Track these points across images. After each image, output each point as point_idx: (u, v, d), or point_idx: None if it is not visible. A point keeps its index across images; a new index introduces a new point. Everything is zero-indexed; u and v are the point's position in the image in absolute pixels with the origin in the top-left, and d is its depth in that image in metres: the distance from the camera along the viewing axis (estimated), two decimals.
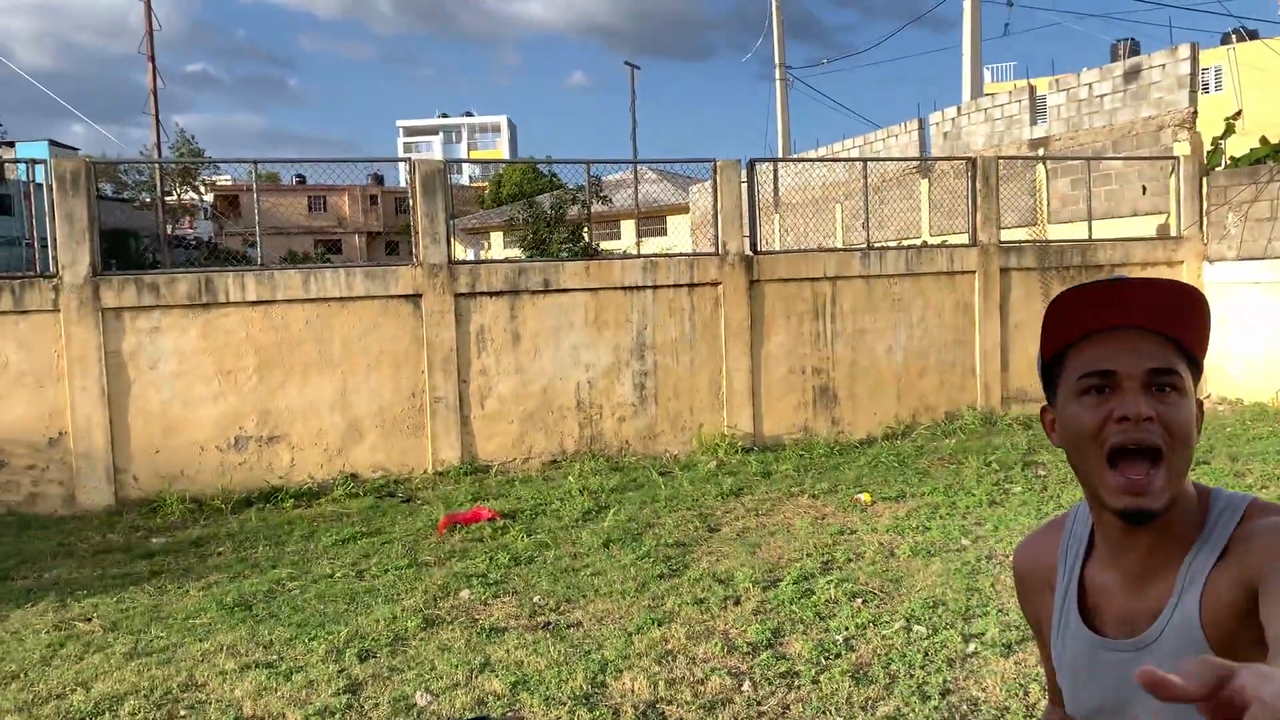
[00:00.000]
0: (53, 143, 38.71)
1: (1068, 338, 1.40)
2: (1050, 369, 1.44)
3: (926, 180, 18.36)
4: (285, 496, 9.94)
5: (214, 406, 10.20)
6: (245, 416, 10.28)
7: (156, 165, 15.17)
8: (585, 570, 7.17)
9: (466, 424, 10.89)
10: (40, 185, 10.46)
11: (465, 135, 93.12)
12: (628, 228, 32.66)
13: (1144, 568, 1.39)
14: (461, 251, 34.57)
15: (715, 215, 11.84)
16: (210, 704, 5.07)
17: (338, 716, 4.85)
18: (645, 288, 11.44)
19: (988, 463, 10.01)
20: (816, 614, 5.94)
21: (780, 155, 28.38)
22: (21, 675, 5.57)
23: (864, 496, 8.93)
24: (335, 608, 6.58)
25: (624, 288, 11.37)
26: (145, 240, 31.93)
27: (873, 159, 15.60)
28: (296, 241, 45.42)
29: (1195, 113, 14.05)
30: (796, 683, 5.01)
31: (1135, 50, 36.47)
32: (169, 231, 31.54)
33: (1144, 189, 14.32)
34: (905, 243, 16.07)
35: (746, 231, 11.93)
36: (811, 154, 25.15)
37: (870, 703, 4.73)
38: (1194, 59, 14.17)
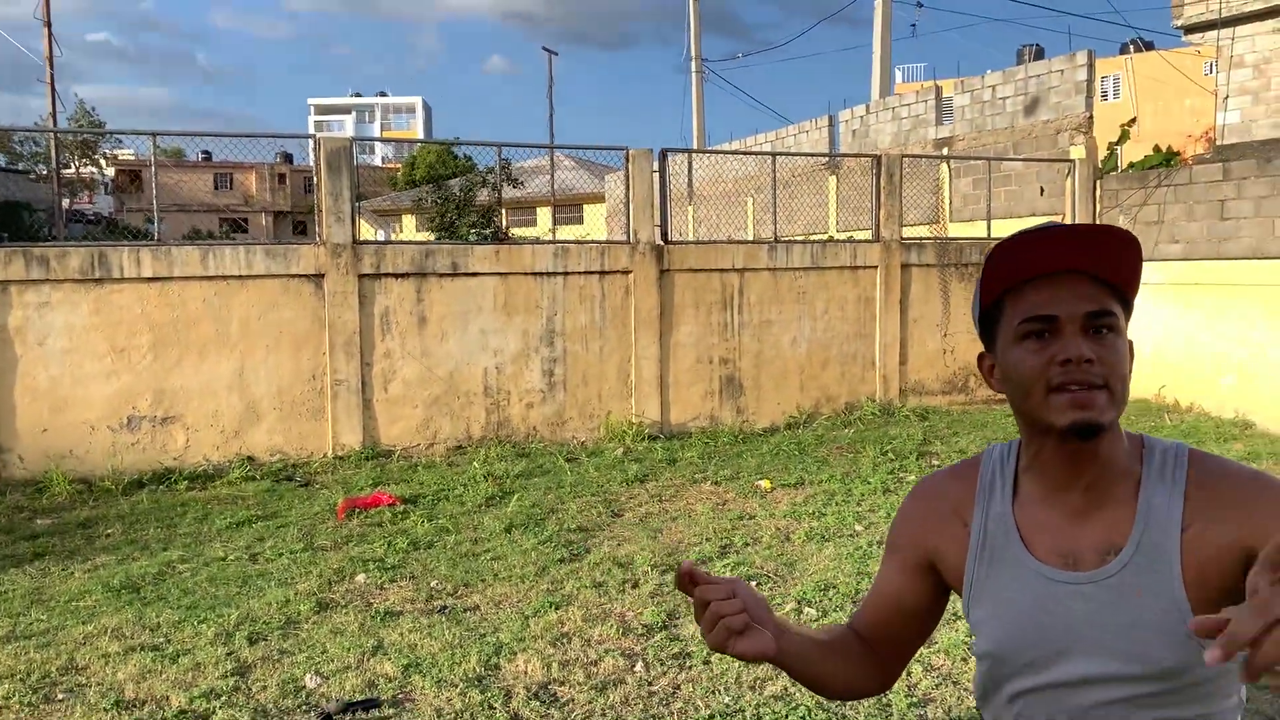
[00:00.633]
0: None
1: (1007, 284, 1.44)
2: (988, 315, 1.48)
3: (835, 177, 18.67)
4: (179, 478, 9.69)
5: (106, 385, 9.88)
6: (139, 396, 9.98)
7: (52, 135, 14.52)
8: (485, 555, 7.17)
9: (369, 408, 10.75)
10: None
11: (379, 116, 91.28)
12: (544, 215, 32.50)
13: (1086, 501, 1.42)
14: (371, 233, 34.06)
15: (627, 204, 11.88)
16: (90, 687, 4.93)
17: (224, 699, 4.77)
18: (556, 274, 11.43)
19: (884, 452, 10.26)
20: None
21: (695, 147, 28.54)
22: None
23: (764, 483, 9.10)
24: (227, 591, 6.46)
25: (535, 273, 11.34)
26: (40, 214, 30.63)
27: (783, 154, 15.79)
28: (201, 219, 44.02)
29: (1091, 118, 14.56)
30: (688, 663, 5.10)
31: (1040, 55, 37.62)
32: (66, 206, 30.29)
33: (1042, 190, 14.80)
34: (813, 237, 16.34)
35: (658, 221, 12.01)
36: (725, 147, 25.36)
37: (759, 682, 4.83)
38: (1090, 66, 14.68)
